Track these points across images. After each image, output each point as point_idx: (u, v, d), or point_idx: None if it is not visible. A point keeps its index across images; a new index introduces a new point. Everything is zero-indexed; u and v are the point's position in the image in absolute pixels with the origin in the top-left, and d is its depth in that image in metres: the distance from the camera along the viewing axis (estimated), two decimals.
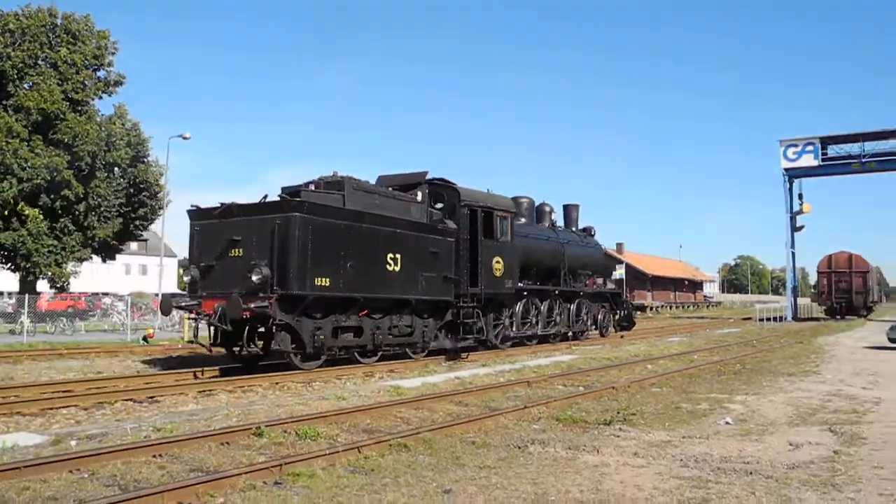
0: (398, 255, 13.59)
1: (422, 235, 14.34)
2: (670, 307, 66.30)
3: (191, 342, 13.58)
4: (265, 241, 11.80)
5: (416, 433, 6.78)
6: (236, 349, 12.69)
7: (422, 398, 8.94)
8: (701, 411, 8.56)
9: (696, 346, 18.84)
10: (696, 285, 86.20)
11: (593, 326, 21.56)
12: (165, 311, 12.61)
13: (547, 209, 20.73)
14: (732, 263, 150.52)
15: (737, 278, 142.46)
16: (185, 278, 12.47)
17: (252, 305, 11.34)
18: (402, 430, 7.13)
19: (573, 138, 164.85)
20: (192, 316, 12.52)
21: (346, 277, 12.42)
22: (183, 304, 12.38)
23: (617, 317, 23.11)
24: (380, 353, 13.80)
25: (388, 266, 13.39)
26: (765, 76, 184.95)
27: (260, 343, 12.54)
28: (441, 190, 15.76)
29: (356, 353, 13.37)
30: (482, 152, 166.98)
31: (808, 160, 38.70)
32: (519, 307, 17.70)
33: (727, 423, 7.79)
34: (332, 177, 13.67)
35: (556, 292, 19.37)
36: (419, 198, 14.99)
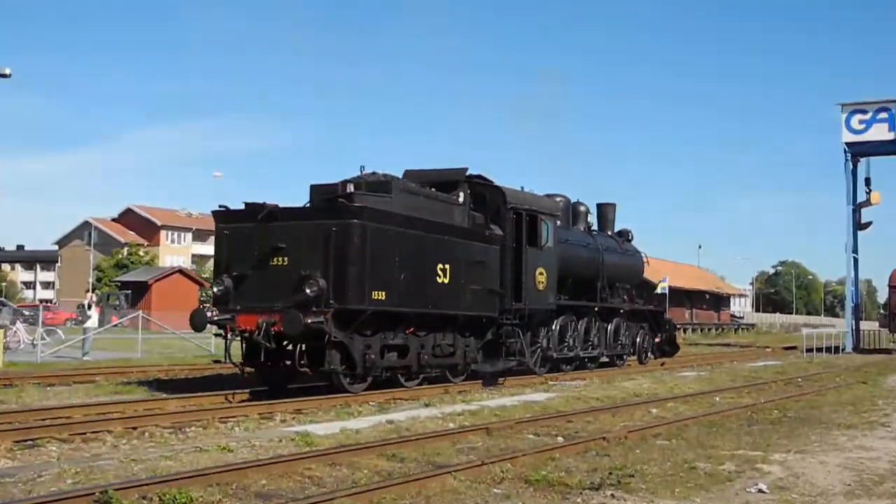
0: (447, 266, 15.61)
1: (469, 243, 16.47)
2: (684, 329, 62.41)
3: (217, 361, 15.03)
4: (317, 250, 13.71)
5: (329, 499, 6.25)
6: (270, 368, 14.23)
7: (340, 450, 8.42)
8: (724, 474, 8.10)
9: (718, 384, 18.72)
10: (720, 300, 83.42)
11: (630, 350, 23.68)
12: (199, 327, 14.25)
13: (582, 209, 22.85)
14: (771, 272, 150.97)
15: (776, 292, 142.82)
16: (215, 289, 14.26)
17: (309, 321, 12.88)
18: (312, 494, 6.62)
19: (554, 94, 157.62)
20: (222, 333, 14.29)
21: (399, 290, 14.43)
22: (215, 318, 13.97)
23: (657, 340, 25.21)
24: (422, 376, 15.73)
25: (437, 278, 15.33)
26: (816, 27, 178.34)
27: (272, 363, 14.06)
28: (483, 190, 17.81)
29: (399, 375, 14.97)
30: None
31: (881, 132, 34.98)
32: (556, 326, 19.67)
33: (760, 490, 7.35)
34: (374, 176, 15.33)
35: (596, 309, 21.40)
36: (461, 199, 16.80)
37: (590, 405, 13.83)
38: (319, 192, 15.33)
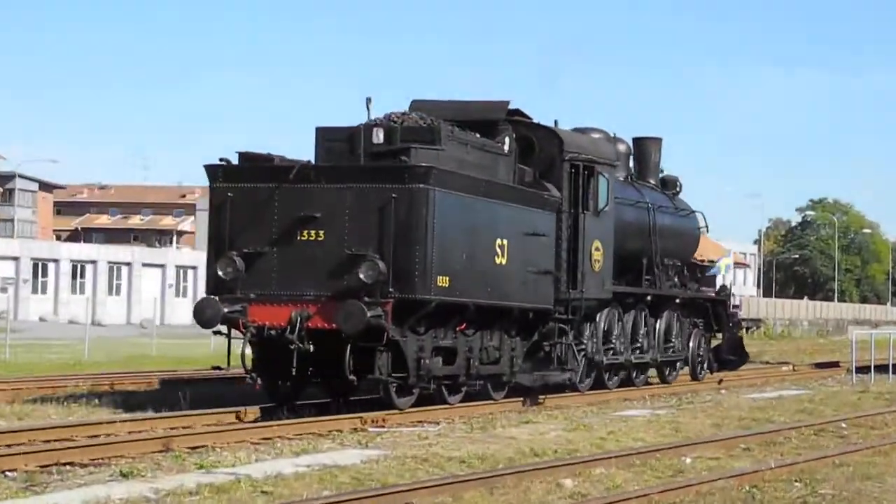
0: (506, 242, 22.45)
1: (526, 210, 23.44)
2: None
3: (218, 368, 21.26)
4: (369, 222, 20.20)
5: None
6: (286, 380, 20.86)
7: None
8: None
9: (690, 433, 20.05)
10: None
11: (683, 357, 31.19)
12: (209, 322, 20.39)
13: (623, 149, 29.83)
14: (794, 222, 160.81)
15: (803, 259, 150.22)
16: (221, 272, 20.36)
17: (369, 315, 19.42)
18: None
19: None
20: (222, 330, 20.67)
21: (460, 275, 21.16)
22: (227, 310, 20.13)
23: (715, 343, 32.85)
24: (464, 389, 22.58)
25: (496, 258, 22.24)
26: None
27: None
28: (530, 133, 24.89)
29: (444, 387, 21.90)
30: None
31: None
32: (603, 322, 26.92)
33: None
34: (408, 117, 21.95)
35: (649, 299, 28.75)
36: (506, 147, 23.63)
37: (445, 472, 14.59)
38: (331, 137, 21.73)
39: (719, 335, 33.68)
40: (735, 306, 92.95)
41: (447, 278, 20.60)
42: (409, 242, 20.01)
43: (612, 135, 29.27)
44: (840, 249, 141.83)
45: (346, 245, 19.97)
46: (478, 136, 23.05)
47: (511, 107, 24.62)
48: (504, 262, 22.30)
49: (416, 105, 23.86)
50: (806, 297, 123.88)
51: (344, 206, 20.10)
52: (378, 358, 20.08)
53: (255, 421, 19.53)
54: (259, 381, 20.60)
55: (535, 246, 23.41)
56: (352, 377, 20.21)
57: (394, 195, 19.94)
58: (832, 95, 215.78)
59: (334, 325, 19.63)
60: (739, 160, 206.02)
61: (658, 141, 31.80)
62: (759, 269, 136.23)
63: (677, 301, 30.30)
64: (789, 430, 20.12)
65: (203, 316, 20.33)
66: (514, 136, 23.94)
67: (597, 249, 25.40)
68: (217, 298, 20.40)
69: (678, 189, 32.17)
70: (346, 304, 19.52)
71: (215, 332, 21.35)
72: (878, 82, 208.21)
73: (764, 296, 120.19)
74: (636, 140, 31.25)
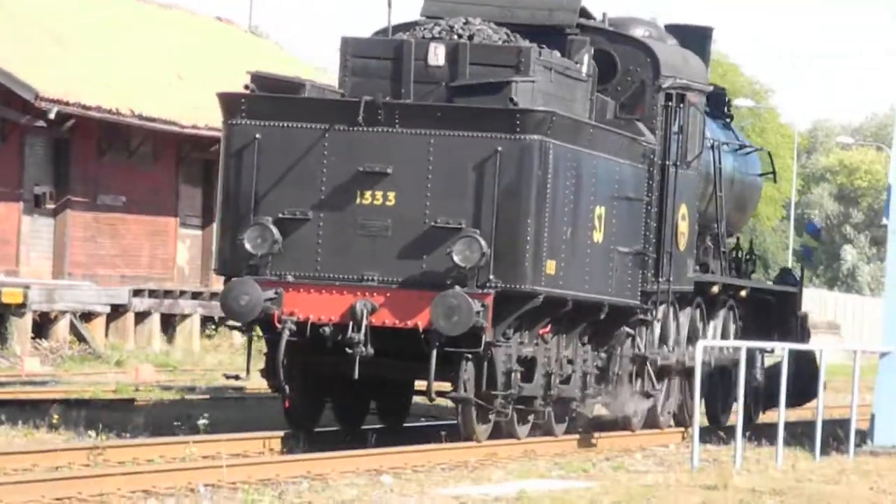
0: (603, 211, 28.97)
1: (618, 163, 29.83)
2: None
3: (234, 377, 26.48)
4: (461, 184, 26.28)
5: None
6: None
7: None
8: None
9: None
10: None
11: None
12: (247, 312, 25.65)
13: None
14: None
15: None
16: (250, 244, 25.50)
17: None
18: None
19: None
20: (240, 327, 26.58)
21: (565, 259, 27.50)
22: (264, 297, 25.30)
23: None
24: (531, 419, 29.08)
25: (594, 233, 28.87)
26: None
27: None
28: (610, 48, 31.12)
29: (515, 413, 28.44)
30: None
31: None
32: (657, 325, 33.34)
33: None
34: (477, 28, 28.03)
35: (716, 290, 35.21)
36: (584, 70, 29.69)
37: None
38: (365, 52, 27.50)
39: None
40: None
41: (554, 263, 26.45)
42: (516, 213, 25.84)
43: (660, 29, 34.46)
44: None
45: (428, 213, 25.70)
46: (557, 54, 28.49)
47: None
48: (601, 239, 28.52)
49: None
50: None
51: (426, 159, 25.71)
52: (463, 370, 25.87)
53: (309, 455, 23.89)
54: (289, 396, 26.37)
55: (626, 215, 29.66)
56: (434, 396, 26.31)
57: (499, 148, 25.53)
58: None
59: (425, 324, 25.17)
60: None
61: (708, 33, 37.03)
62: None
63: (742, 295, 36.81)
64: None
65: (238, 305, 25.48)
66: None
67: (683, 218, 31.87)
68: (254, 280, 25.55)
69: (730, 109, 38.15)
70: (446, 296, 24.95)
71: (232, 328, 27.86)
72: None
73: None
74: (673, 31, 35.37)
